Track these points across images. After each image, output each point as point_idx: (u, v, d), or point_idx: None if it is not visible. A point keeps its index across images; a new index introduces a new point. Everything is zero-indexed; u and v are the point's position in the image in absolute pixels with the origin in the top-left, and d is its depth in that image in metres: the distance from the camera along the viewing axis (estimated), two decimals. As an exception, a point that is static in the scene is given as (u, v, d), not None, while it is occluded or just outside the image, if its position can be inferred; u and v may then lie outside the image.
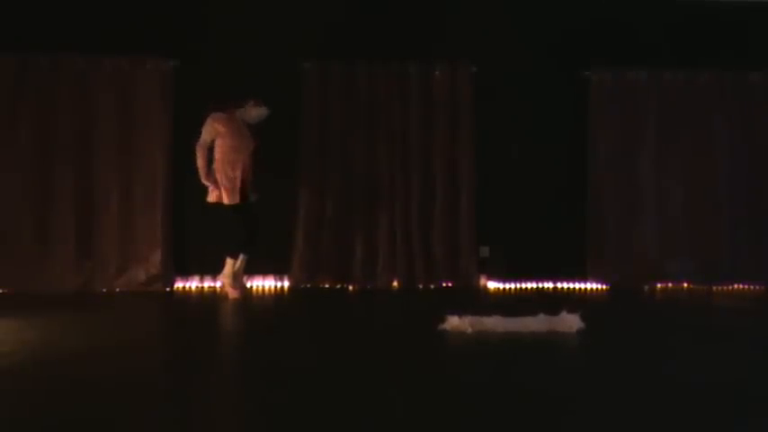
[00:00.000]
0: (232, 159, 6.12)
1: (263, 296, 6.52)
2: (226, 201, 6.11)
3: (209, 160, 6.15)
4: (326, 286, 6.92)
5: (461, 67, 7.06)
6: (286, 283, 6.92)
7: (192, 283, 6.83)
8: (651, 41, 7.21)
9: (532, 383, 3.45)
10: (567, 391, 3.34)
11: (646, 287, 7.12)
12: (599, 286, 7.12)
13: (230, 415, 2.98)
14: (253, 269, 6.59)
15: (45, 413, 2.95)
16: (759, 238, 7.20)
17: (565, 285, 7.14)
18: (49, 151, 6.57)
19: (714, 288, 7.13)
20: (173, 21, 6.73)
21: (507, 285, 7.11)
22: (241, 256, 6.22)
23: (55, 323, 5.00)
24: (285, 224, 6.80)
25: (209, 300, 6.27)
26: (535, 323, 4.68)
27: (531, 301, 6.21)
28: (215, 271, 6.41)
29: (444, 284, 7.03)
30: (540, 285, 7.13)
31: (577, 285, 7.14)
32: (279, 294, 6.63)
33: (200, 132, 6.11)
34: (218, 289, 6.53)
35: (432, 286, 6.98)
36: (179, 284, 6.79)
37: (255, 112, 6.25)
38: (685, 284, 7.19)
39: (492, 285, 7.11)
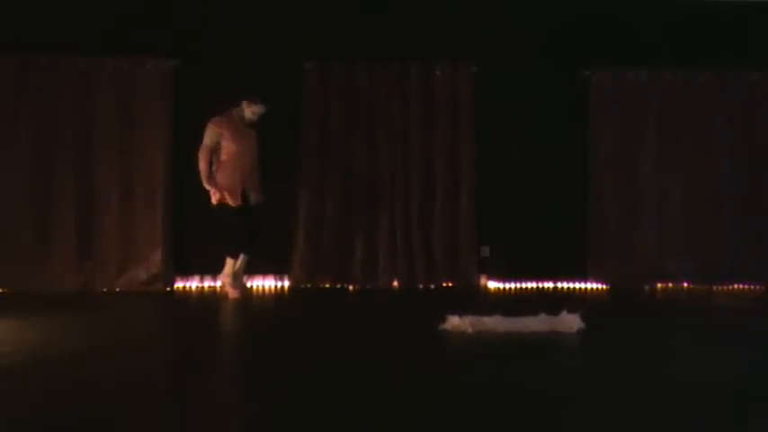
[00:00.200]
0: (236, 161, 6.13)
1: (263, 296, 6.52)
2: (230, 202, 6.12)
3: (211, 164, 6.15)
4: (327, 286, 6.92)
5: (461, 67, 7.07)
6: (286, 283, 6.92)
7: (193, 283, 6.83)
8: (651, 41, 7.21)
9: (532, 383, 3.45)
10: (567, 391, 3.34)
11: (646, 287, 7.13)
12: (599, 286, 7.12)
13: (230, 415, 2.98)
14: (253, 269, 6.59)
15: (45, 413, 2.95)
16: (759, 238, 7.20)
17: (565, 285, 7.14)
18: (50, 151, 6.58)
19: (714, 288, 7.13)
20: (173, 20, 6.73)
21: (507, 285, 7.12)
22: (242, 256, 6.23)
23: (55, 323, 5.00)
24: (285, 224, 6.80)
25: (209, 300, 6.27)
26: (535, 323, 4.68)
27: (532, 300, 6.21)
28: (215, 271, 6.42)
29: (444, 284, 7.03)
30: (541, 285, 7.13)
31: (578, 285, 7.14)
32: (279, 294, 6.63)
33: (200, 135, 6.11)
34: (219, 289, 6.53)
35: (432, 286, 6.99)
36: (179, 284, 6.80)
37: (251, 110, 6.23)
38: (685, 284, 7.19)
39: (492, 285, 7.12)
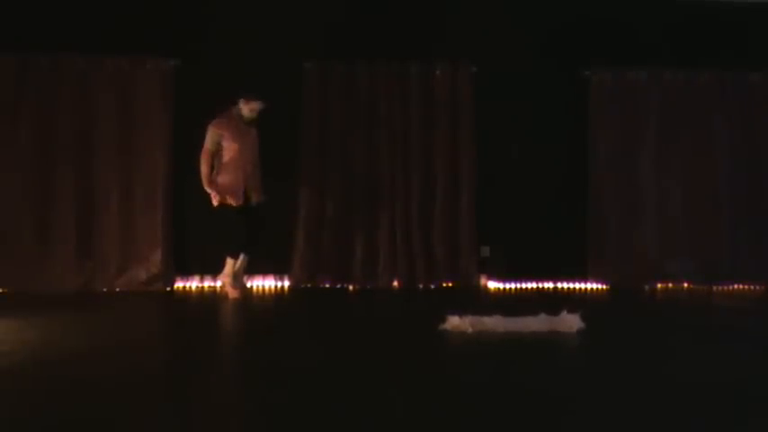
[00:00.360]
0: (238, 160, 6.14)
1: (263, 296, 6.52)
2: (232, 202, 6.12)
3: (212, 167, 6.15)
4: (327, 286, 6.92)
5: (461, 67, 7.07)
6: (286, 283, 6.92)
7: (193, 283, 6.83)
8: (651, 41, 7.21)
9: (532, 383, 3.45)
10: (567, 391, 3.34)
11: (646, 287, 7.13)
12: (599, 286, 7.12)
13: (230, 415, 2.98)
14: (253, 269, 6.59)
15: (45, 413, 2.94)
16: (759, 238, 7.20)
17: (565, 285, 7.14)
18: (50, 151, 6.58)
19: (714, 288, 7.13)
20: (173, 20, 6.73)
21: (507, 285, 7.12)
22: (242, 256, 6.23)
23: (55, 323, 5.00)
24: (286, 224, 6.81)
25: (209, 300, 6.27)
26: (536, 323, 4.67)
27: (532, 300, 6.21)
28: (215, 271, 6.42)
29: (445, 284, 7.03)
30: (541, 285, 7.13)
31: (578, 285, 7.14)
32: (279, 294, 6.63)
33: (200, 135, 6.11)
34: (219, 289, 6.53)
35: (432, 286, 6.99)
36: (179, 284, 6.80)
37: (249, 108, 6.22)
38: (685, 284, 7.19)
39: (492, 285, 7.12)
